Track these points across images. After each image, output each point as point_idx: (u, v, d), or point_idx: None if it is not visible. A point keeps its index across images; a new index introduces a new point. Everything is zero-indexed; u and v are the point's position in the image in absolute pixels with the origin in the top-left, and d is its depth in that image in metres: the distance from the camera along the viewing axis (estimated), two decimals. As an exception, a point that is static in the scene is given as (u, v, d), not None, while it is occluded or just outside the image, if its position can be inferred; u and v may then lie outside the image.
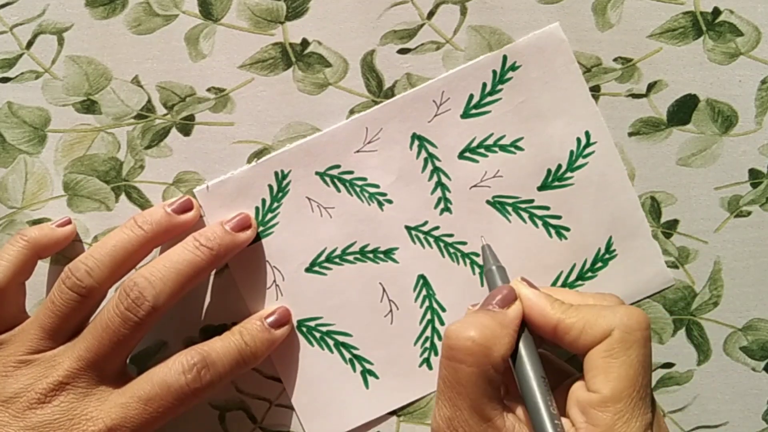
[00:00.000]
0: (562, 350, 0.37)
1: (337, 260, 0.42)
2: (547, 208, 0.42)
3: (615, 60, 0.42)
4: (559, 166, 0.42)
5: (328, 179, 0.42)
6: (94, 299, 0.39)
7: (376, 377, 0.43)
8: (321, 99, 0.42)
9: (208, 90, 0.42)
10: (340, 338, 0.43)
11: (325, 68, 0.42)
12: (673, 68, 0.42)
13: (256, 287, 0.43)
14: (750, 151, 0.42)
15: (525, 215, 0.42)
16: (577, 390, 0.35)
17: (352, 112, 0.42)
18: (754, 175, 0.42)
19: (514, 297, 0.37)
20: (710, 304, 0.42)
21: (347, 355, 0.43)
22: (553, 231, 0.42)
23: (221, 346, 0.39)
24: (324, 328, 0.43)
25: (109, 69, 0.42)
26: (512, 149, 0.42)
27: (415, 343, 0.42)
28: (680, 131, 0.42)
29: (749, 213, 0.42)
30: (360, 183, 0.42)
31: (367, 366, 0.43)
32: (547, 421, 0.34)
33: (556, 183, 0.42)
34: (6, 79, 0.43)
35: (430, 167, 0.42)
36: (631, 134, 0.42)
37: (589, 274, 0.42)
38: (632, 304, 0.42)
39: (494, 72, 0.42)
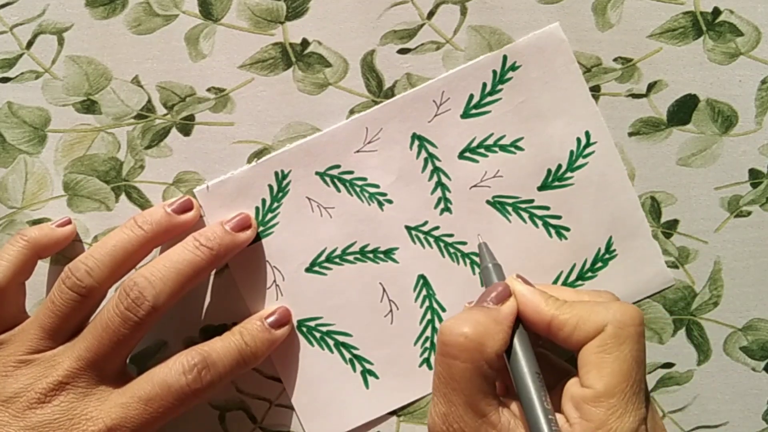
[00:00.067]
0: (564, 351, 0.37)
1: (337, 260, 0.42)
2: (547, 208, 0.42)
3: (615, 60, 0.42)
4: (559, 166, 0.42)
5: (328, 179, 0.42)
6: (94, 299, 0.39)
7: (376, 377, 0.43)
8: (321, 99, 0.42)
9: (208, 90, 0.42)
10: (340, 338, 0.43)
11: (325, 68, 0.42)
12: (673, 68, 0.42)
13: (256, 287, 0.42)
14: (750, 151, 0.42)
15: (525, 215, 0.42)
16: (572, 386, 0.35)
17: (352, 112, 0.42)
18: (754, 175, 0.42)
19: (509, 294, 0.37)
20: (710, 304, 0.42)
21: (347, 355, 0.43)
22: (553, 231, 0.42)
23: (221, 347, 0.39)
24: (324, 328, 0.43)
25: (109, 69, 0.42)
26: (512, 149, 0.42)
27: (415, 343, 0.42)
28: (680, 131, 0.42)
29: (749, 213, 0.42)
30: (360, 183, 0.42)
31: (367, 366, 0.43)
32: (541, 416, 0.34)
33: (556, 183, 0.42)
34: (6, 79, 0.43)
35: (430, 167, 0.42)
36: (631, 134, 0.42)
37: (589, 274, 0.42)
38: (632, 303, 0.42)
39: (494, 72, 0.42)
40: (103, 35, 0.42)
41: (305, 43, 0.42)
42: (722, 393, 0.43)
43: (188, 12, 0.42)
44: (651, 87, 0.42)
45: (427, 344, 0.42)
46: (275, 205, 0.42)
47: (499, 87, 0.42)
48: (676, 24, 0.42)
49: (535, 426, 0.34)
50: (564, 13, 0.42)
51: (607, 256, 0.42)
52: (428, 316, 0.42)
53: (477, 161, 0.42)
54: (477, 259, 0.42)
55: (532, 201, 0.42)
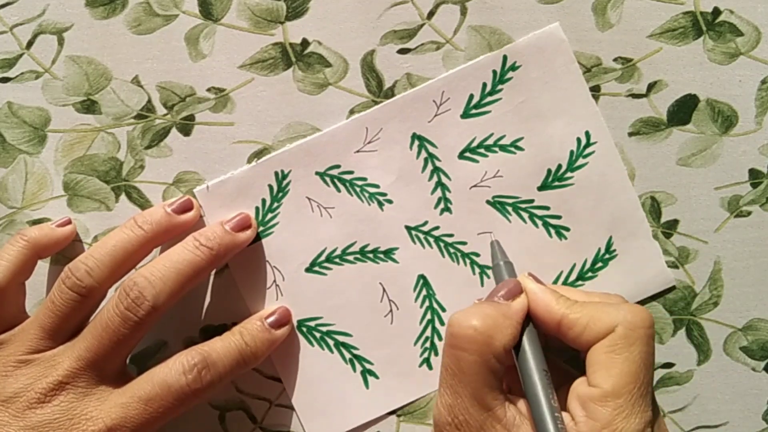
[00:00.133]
0: (563, 352, 0.37)
1: (337, 260, 0.42)
2: (547, 208, 0.42)
3: (615, 60, 0.42)
4: (559, 166, 0.42)
5: (328, 179, 0.42)
6: (94, 299, 0.39)
7: (376, 377, 0.43)
8: (321, 99, 0.42)
9: (208, 90, 0.42)
10: (340, 338, 0.43)
11: (325, 68, 0.42)
12: (673, 68, 0.42)
13: (256, 287, 0.42)
14: (750, 151, 0.42)
15: (525, 215, 0.42)
16: (578, 385, 0.35)
17: (352, 112, 0.42)
18: (754, 175, 0.42)
19: (520, 290, 0.37)
20: (710, 304, 0.42)
21: (347, 355, 0.43)
22: (553, 231, 0.42)
23: (222, 347, 0.39)
24: (324, 328, 0.43)
25: (109, 69, 0.42)
26: (512, 149, 0.42)
27: (415, 343, 0.42)
28: (680, 131, 0.42)
29: (749, 213, 0.42)
30: (360, 183, 0.42)
31: (367, 366, 0.43)
32: (547, 413, 0.34)
33: (556, 183, 0.42)
34: (6, 79, 0.43)
35: (430, 167, 0.42)
36: (631, 134, 0.42)
37: (589, 274, 0.42)
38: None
39: (494, 72, 0.42)
40: (103, 35, 0.42)
41: (305, 43, 0.42)
42: (722, 393, 0.43)
43: (188, 12, 0.42)
44: (651, 87, 0.42)
45: (427, 344, 0.42)
46: (275, 205, 0.42)
47: (499, 87, 0.42)
48: (676, 24, 0.42)
49: (541, 422, 0.34)
50: (564, 13, 0.42)
51: (607, 256, 0.42)
52: (428, 316, 0.42)
53: (477, 161, 0.42)
54: (477, 259, 0.42)
55: (532, 201, 0.42)
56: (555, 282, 0.42)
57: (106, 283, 0.39)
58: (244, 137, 0.42)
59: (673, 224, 0.42)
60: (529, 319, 0.37)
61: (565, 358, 0.40)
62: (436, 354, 0.42)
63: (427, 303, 0.42)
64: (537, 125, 0.42)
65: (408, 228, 0.42)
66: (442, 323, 0.42)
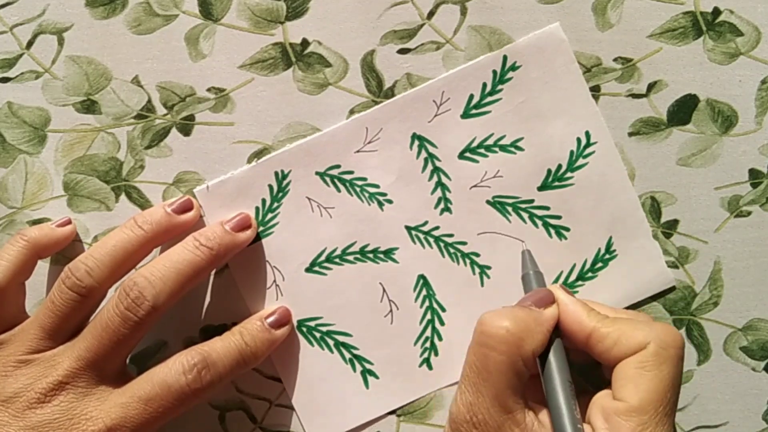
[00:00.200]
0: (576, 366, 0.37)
1: (337, 260, 0.42)
2: (547, 208, 0.42)
3: (615, 60, 0.42)
4: (559, 166, 0.42)
5: (328, 179, 0.42)
6: (94, 299, 0.39)
7: (376, 377, 0.43)
8: (321, 99, 0.42)
9: (208, 90, 0.42)
10: (340, 338, 0.43)
11: (325, 68, 0.42)
12: (673, 68, 0.42)
13: (256, 287, 0.43)
14: (750, 151, 0.42)
15: (525, 215, 0.42)
16: (602, 397, 0.35)
17: (352, 112, 0.42)
18: (754, 175, 0.42)
19: (552, 300, 0.37)
20: (710, 304, 0.42)
21: (347, 355, 0.43)
22: (553, 231, 0.42)
23: (221, 347, 0.39)
24: (324, 328, 0.43)
25: (109, 69, 0.42)
26: (512, 149, 0.42)
27: (415, 343, 0.42)
28: (680, 131, 0.42)
29: (749, 213, 0.42)
30: (360, 183, 0.42)
31: (367, 366, 0.43)
32: (568, 423, 0.34)
33: (556, 183, 0.42)
34: (6, 79, 0.43)
35: (430, 167, 0.42)
36: (631, 134, 0.42)
37: (590, 274, 0.42)
38: (633, 304, 0.42)
39: (494, 72, 0.42)
40: (103, 35, 0.42)
41: (305, 43, 0.42)
42: (722, 393, 0.43)
43: (188, 12, 0.42)
44: (651, 87, 0.42)
45: (427, 344, 0.42)
46: (275, 205, 0.42)
47: (499, 87, 0.42)
48: (676, 24, 0.42)
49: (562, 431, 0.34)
50: (564, 13, 0.42)
51: (607, 256, 0.42)
52: (428, 316, 0.42)
53: (477, 161, 0.42)
54: (477, 260, 0.42)
55: (532, 201, 0.42)
56: (555, 282, 0.42)
57: (106, 283, 0.39)
58: (244, 137, 0.42)
59: (673, 224, 0.42)
60: (558, 329, 0.37)
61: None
62: (437, 354, 0.42)
63: (427, 303, 0.42)
64: (537, 125, 0.42)
65: (408, 228, 0.42)
66: (442, 323, 0.42)
